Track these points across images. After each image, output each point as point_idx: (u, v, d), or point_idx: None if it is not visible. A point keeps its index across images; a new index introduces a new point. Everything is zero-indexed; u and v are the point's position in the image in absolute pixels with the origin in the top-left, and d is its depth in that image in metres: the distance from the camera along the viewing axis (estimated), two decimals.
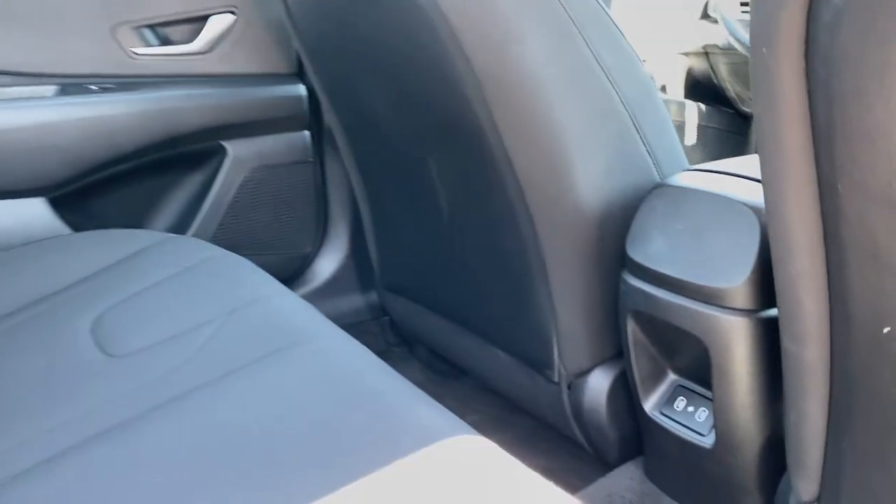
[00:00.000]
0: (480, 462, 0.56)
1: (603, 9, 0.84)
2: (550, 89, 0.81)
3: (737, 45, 1.49)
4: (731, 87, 1.80)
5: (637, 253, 0.81)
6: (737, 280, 0.72)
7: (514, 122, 0.82)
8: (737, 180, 0.77)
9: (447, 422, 0.64)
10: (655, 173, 0.89)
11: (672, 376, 0.87)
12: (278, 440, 0.58)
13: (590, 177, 0.85)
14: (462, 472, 0.55)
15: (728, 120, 1.84)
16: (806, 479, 0.68)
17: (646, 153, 0.88)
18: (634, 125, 0.86)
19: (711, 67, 1.76)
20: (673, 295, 0.77)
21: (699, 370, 0.82)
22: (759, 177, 0.78)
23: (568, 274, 0.90)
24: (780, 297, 0.62)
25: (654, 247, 0.79)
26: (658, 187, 0.81)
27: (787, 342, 0.63)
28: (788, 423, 0.68)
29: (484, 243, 1.00)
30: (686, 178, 0.80)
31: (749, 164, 0.81)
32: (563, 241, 0.88)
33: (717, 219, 0.74)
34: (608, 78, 0.83)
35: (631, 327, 0.84)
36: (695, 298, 0.75)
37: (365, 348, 0.79)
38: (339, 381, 0.66)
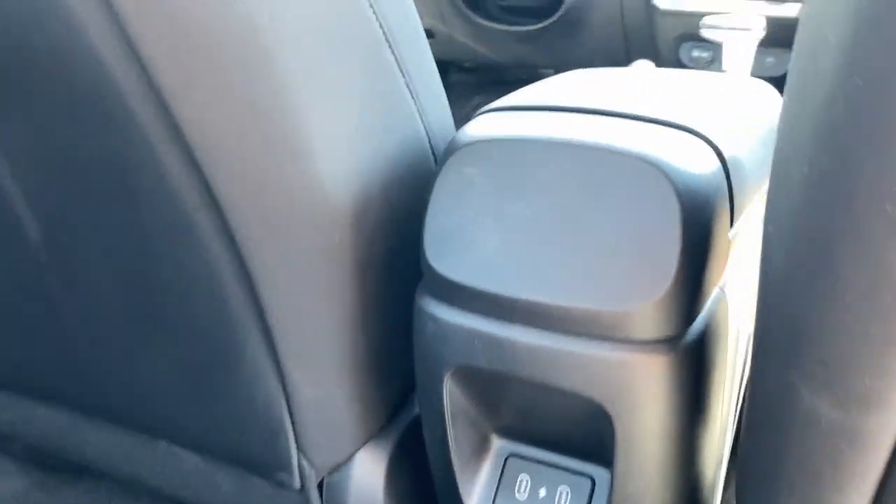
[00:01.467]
0: None
1: None
2: None
3: None
4: None
5: (450, 265, 0.45)
6: (653, 293, 0.41)
7: (180, 44, 0.40)
8: (599, 120, 0.46)
9: None
10: (422, 128, 0.54)
11: (498, 442, 0.54)
12: None
13: (334, 138, 0.46)
14: None
15: None
16: None
17: (409, 96, 0.52)
18: (392, 51, 0.50)
19: None
20: (536, 333, 0.43)
21: (554, 429, 0.51)
22: (633, 112, 0.48)
23: (305, 314, 0.51)
24: (807, 309, 0.34)
25: (481, 249, 0.44)
26: (469, 144, 0.46)
27: (815, 401, 0.35)
28: None
29: (128, 284, 0.54)
30: (506, 125, 0.47)
31: (579, 91, 0.51)
32: (292, 256, 0.49)
33: (594, 191, 0.42)
34: None
35: (449, 392, 0.48)
36: (578, 334, 0.43)
37: None
38: None
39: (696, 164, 0.43)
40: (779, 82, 1.24)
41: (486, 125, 0.47)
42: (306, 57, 0.43)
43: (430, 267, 0.46)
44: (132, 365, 0.61)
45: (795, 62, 0.34)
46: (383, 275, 0.51)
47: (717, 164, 0.45)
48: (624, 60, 1.43)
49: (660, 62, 1.32)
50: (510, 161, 0.44)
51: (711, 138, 0.46)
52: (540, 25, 1.38)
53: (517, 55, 1.55)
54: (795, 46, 0.35)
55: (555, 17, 1.36)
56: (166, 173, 0.45)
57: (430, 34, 1.52)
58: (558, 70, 1.67)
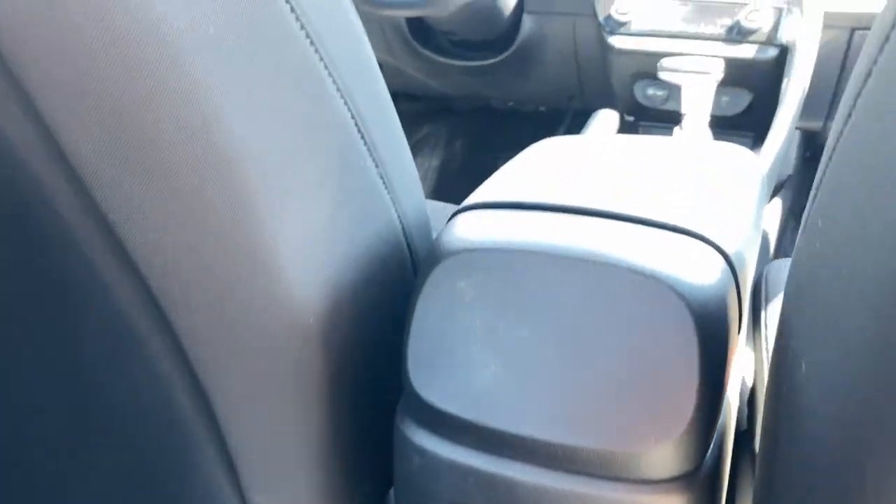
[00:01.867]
0: None
1: None
2: (207, 60, 0.34)
3: None
4: None
5: (439, 393, 0.40)
6: (670, 431, 0.37)
7: (122, 159, 0.34)
8: (598, 224, 0.41)
9: None
10: (396, 219, 0.49)
11: None
12: None
13: (301, 246, 0.41)
14: None
15: None
16: None
17: (382, 186, 0.47)
18: (365, 141, 0.44)
19: None
20: (538, 472, 0.39)
21: None
22: (631, 212, 0.43)
23: (269, 436, 0.46)
24: (861, 472, 0.30)
25: (475, 376, 0.39)
26: (457, 254, 0.41)
27: None
28: None
29: (65, 399, 0.48)
30: (494, 228, 0.42)
31: (560, 186, 0.47)
32: (254, 375, 0.43)
33: (601, 312, 0.38)
34: (320, 56, 0.40)
35: None
36: (586, 474, 0.38)
37: None
38: None
39: (709, 277, 0.39)
40: (734, 120, 1.22)
41: (472, 228, 0.42)
42: (274, 165, 0.38)
43: (415, 394, 0.41)
44: (67, 481, 0.54)
45: (842, 196, 0.31)
46: (356, 390, 0.46)
47: (727, 271, 0.41)
48: (577, 96, 1.40)
49: (614, 99, 1.30)
50: (505, 275, 0.39)
51: (716, 241, 0.43)
52: (492, 61, 1.35)
53: (469, 89, 1.51)
54: (833, 177, 0.32)
55: (507, 53, 1.32)
56: (109, 290, 0.39)
57: (378, 66, 1.47)
58: (507, 101, 1.64)
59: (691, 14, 1.15)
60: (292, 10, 0.38)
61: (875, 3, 1.08)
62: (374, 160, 0.46)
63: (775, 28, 1.10)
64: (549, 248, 0.39)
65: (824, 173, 0.34)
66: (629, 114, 1.34)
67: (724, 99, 1.19)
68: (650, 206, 0.44)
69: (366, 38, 0.47)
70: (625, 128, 1.30)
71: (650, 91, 1.24)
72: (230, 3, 0.34)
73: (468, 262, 0.40)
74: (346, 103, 0.43)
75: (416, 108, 1.86)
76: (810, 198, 0.37)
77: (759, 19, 1.10)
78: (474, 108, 1.82)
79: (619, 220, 0.42)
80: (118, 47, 0.31)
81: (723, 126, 1.20)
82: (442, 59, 1.39)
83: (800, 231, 0.40)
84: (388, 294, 0.47)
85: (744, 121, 1.23)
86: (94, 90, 0.32)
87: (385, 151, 0.47)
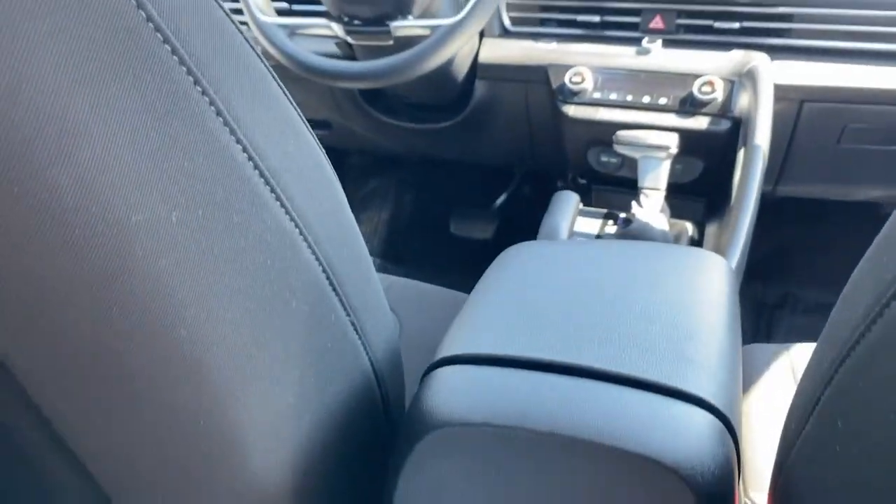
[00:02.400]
0: None
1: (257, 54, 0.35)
2: (167, 254, 0.30)
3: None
4: None
5: None
6: None
7: (68, 369, 0.30)
8: (593, 388, 0.39)
9: None
10: (368, 363, 0.45)
11: None
12: None
13: (270, 423, 0.37)
14: None
15: None
16: None
17: (355, 335, 0.43)
18: (337, 293, 0.41)
19: None
20: None
21: None
22: (627, 371, 0.41)
23: None
24: None
25: None
26: (443, 427, 0.37)
27: None
28: None
29: None
30: (481, 396, 0.39)
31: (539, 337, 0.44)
32: None
33: (603, 498, 0.35)
34: (296, 224, 0.36)
35: None
36: None
37: None
38: None
39: (713, 454, 0.37)
40: (687, 187, 1.22)
41: (455, 394, 0.39)
42: (240, 348, 0.34)
43: None
44: None
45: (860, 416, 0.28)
46: None
47: (727, 439, 0.39)
48: (529, 159, 1.39)
49: (567, 163, 1.30)
50: (498, 455, 0.36)
51: (714, 401, 0.40)
52: (444, 124, 1.33)
53: (420, 149, 1.49)
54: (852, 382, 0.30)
55: (459, 117, 1.30)
56: (58, 494, 0.35)
57: (327, 125, 1.43)
58: (461, 161, 1.61)
59: (645, 85, 1.15)
60: (261, 174, 0.34)
61: (823, 77, 1.10)
62: (345, 309, 0.42)
63: (728, 100, 1.11)
64: (541, 426, 0.36)
65: (837, 371, 0.32)
66: (582, 177, 1.34)
67: (678, 167, 1.19)
68: (641, 356, 0.41)
69: (336, 180, 0.43)
70: (580, 192, 1.29)
71: (604, 158, 1.24)
72: (194, 181, 0.31)
73: (454, 438, 0.37)
74: (317, 258, 0.39)
75: (364, 161, 1.83)
76: (820, 378, 0.35)
77: (712, 91, 1.10)
78: (424, 160, 1.80)
79: (612, 382, 0.39)
80: (73, 246, 0.27)
81: (675, 192, 1.20)
82: (392, 121, 1.36)
83: (803, 407, 0.38)
84: (361, 454, 0.43)
85: (696, 187, 1.23)
86: (40, 287, 0.28)
87: (356, 296, 0.44)
